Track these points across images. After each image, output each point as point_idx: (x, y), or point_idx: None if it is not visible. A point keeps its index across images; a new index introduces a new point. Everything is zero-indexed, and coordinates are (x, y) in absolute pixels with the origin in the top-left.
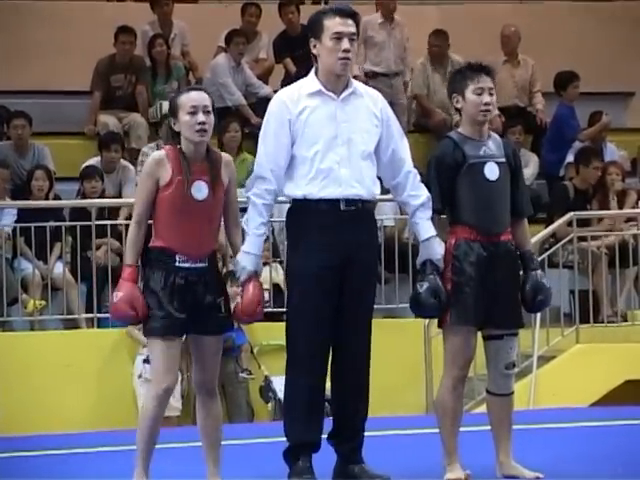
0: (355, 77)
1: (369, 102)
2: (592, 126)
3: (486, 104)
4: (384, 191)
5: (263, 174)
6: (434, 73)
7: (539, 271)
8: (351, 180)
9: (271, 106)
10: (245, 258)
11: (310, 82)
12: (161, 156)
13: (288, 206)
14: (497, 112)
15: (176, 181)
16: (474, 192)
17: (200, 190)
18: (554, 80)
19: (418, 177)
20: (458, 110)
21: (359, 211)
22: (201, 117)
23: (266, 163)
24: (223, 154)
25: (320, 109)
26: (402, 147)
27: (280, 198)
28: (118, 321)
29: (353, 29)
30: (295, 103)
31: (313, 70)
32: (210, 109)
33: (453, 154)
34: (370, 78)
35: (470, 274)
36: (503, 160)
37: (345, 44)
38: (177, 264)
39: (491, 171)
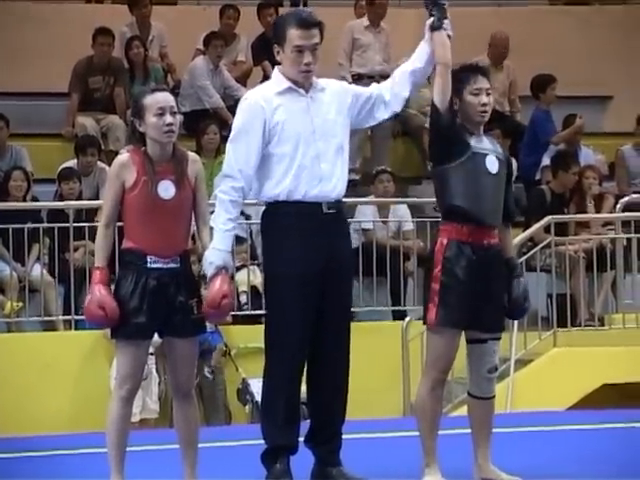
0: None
1: (332, 93)
2: (567, 129)
3: (484, 105)
4: (363, 194)
5: (230, 173)
6: None
7: (522, 278)
8: (331, 175)
9: (243, 106)
10: (213, 254)
11: (278, 81)
12: (125, 159)
13: (264, 208)
14: None
15: (142, 182)
16: (473, 180)
17: (166, 189)
18: (531, 83)
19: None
20: (455, 112)
21: (339, 213)
22: (169, 118)
23: (234, 163)
24: (189, 153)
25: (294, 105)
26: (367, 89)
27: (254, 200)
28: (91, 324)
29: (316, 39)
30: (269, 102)
31: (277, 70)
32: (176, 109)
33: (459, 129)
34: (355, 80)
35: (459, 277)
36: (502, 158)
37: (307, 58)
38: (148, 265)
39: (492, 163)
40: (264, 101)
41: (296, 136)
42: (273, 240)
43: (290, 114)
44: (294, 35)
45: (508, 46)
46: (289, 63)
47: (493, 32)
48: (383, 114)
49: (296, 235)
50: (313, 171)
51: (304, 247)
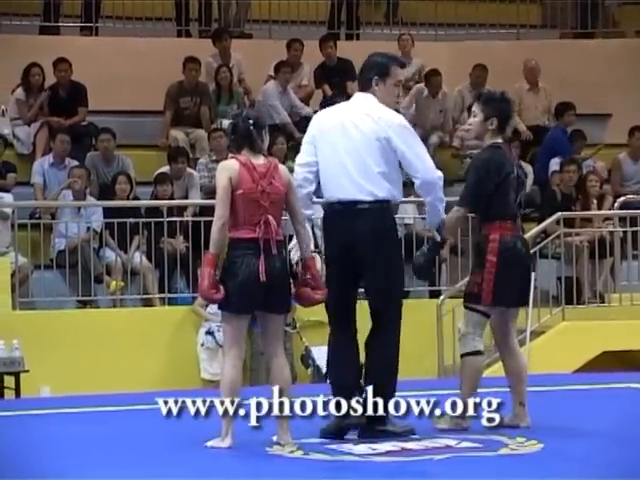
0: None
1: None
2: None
3: (469, 124)
4: (405, 195)
5: None
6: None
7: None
8: None
9: None
10: None
11: None
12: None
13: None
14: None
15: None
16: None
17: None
18: (555, 108)
19: None
20: None
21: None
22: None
23: None
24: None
25: None
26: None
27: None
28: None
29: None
30: None
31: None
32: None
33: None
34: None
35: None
36: None
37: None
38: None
39: None
40: None
41: None
42: None
43: None
44: (399, 72)
45: (539, 70)
46: (387, 94)
47: (523, 61)
48: None
49: None
50: None
51: None
